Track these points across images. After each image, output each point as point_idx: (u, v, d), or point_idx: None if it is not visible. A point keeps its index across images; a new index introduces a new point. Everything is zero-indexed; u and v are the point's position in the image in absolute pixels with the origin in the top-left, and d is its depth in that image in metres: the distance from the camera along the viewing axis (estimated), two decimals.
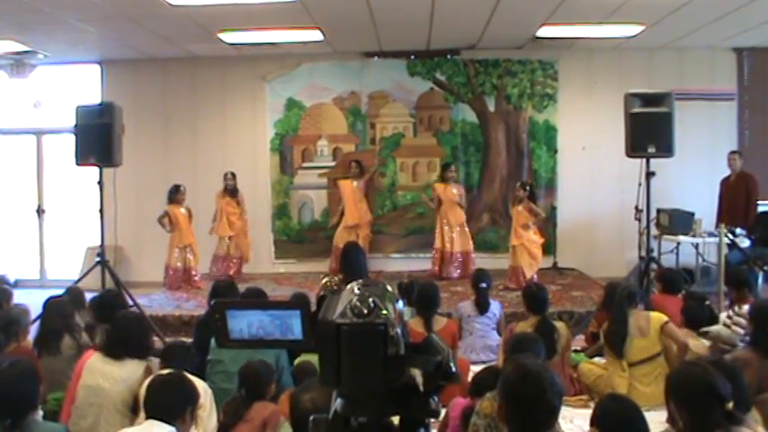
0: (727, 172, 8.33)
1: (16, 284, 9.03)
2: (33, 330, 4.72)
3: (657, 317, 4.53)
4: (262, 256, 9.32)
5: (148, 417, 2.89)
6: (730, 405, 2.37)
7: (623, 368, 4.44)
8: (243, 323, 1.09)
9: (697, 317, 4.80)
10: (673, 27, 7.89)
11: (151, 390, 3.01)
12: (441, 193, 8.61)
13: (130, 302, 6.42)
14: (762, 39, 8.68)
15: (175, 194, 8.45)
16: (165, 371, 3.35)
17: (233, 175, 8.77)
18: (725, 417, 2.36)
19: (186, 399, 2.97)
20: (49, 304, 4.65)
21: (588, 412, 4.23)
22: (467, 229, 8.62)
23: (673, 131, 6.83)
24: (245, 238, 8.90)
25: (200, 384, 3.38)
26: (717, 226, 7.46)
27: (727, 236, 7.01)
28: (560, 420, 2.38)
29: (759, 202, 8.24)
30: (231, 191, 8.76)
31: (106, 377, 3.62)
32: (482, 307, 5.70)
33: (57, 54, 8.88)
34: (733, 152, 8.38)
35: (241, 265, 8.91)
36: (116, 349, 3.71)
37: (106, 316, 4.44)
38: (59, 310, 4.55)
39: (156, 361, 3.85)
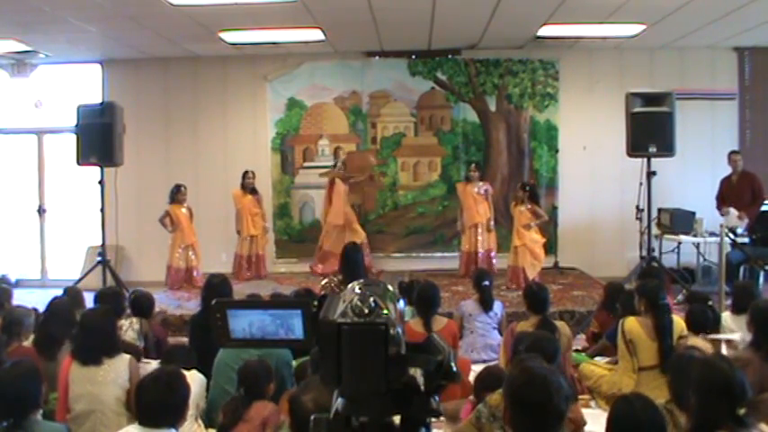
0: (728, 171, 8.30)
1: (17, 284, 9.04)
2: None
3: (679, 324, 4.40)
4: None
5: (144, 424, 2.78)
6: (742, 411, 2.36)
7: (634, 369, 4.34)
8: (244, 323, 1.09)
9: (701, 321, 4.73)
10: (673, 27, 7.89)
11: (143, 394, 2.87)
12: (460, 193, 8.68)
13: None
14: (762, 38, 8.68)
15: (176, 194, 8.47)
16: (153, 370, 3.23)
17: (253, 174, 8.82)
18: (733, 419, 2.36)
19: (182, 399, 2.88)
20: (52, 307, 4.57)
21: (590, 412, 4.25)
22: (490, 226, 8.48)
23: (673, 131, 6.85)
24: (264, 236, 8.99)
25: (195, 376, 3.35)
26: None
27: (727, 235, 7.00)
28: None
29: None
30: (251, 190, 8.80)
31: (93, 382, 3.57)
32: (486, 305, 5.71)
33: (58, 54, 8.88)
34: (735, 152, 8.30)
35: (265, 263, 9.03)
36: (92, 355, 3.62)
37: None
38: (62, 316, 4.42)
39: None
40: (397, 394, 1.01)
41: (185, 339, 5.13)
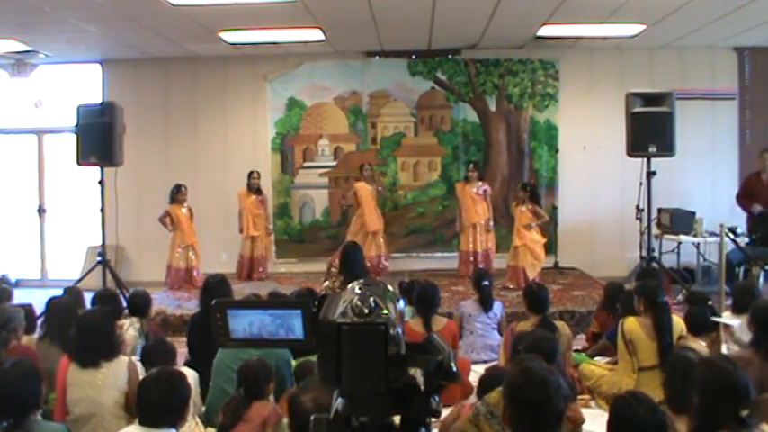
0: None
1: (17, 284, 9.04)
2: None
3: (679, 324, 4.40)
4: None
5: (144, 424, 2.80)
6: (744, 412, 2.36)
7: (634, 370, 4.34)
8: (244, 323, 1.09)
9: (700, 323, 4.73)
10: (673, 27, 7.89)
11: (145, 394, 2.88)
12: (459, 193, 8.67)
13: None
14: (762, 38, 8.67)
15: (177, 194, 8.48)
16: (154, 370, 3.20)
17: (258, 174, 8.83)
18: (735, 420, 2.36)
19: (183, 399, 2.90)
20: (52, 306, 4.55)
21: (590, 412, 4.25)
22: (489, 226, 8.48)
23: (673, 131, 6.84)
24: (267, 237, 9.01)
25: (187, 373, 3.35)
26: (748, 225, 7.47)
27: (727, 235, 7.00)
28: None
29: None
30: (256, 190, 8.81)
31: (92, 386, 3.54)
32: (486, 305, 5.71)
33: (58, 53, 8.88)
34: (767, 150, 7.97)
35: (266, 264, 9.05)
36: (90, 357, 3.59)
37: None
38: (63, 315, 4.39)
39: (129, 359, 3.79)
40: (397, 394, 1.01)
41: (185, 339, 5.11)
